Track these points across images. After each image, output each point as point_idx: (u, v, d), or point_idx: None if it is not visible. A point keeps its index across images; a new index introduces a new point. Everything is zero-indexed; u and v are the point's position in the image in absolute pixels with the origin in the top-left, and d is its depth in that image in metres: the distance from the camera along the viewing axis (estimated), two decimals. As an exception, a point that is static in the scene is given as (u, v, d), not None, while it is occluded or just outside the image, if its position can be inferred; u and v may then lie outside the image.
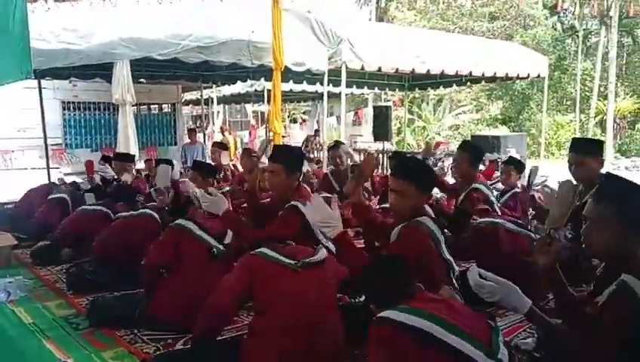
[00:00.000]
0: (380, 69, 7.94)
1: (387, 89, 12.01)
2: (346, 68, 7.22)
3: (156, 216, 3.39)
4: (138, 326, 2.49)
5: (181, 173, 5.69)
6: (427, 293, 1.72)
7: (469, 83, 10.59)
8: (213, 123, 15.43)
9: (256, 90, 12.37)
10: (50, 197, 4.71)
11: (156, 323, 2.45)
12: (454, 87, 11.29)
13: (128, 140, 6.55)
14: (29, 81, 8.37)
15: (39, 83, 8.56)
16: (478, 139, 9.98)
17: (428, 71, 8.06)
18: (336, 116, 11.96)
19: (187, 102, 14.23)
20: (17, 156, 9.17)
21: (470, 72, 8.61)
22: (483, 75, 8.86)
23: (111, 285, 3.04)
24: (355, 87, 10.40)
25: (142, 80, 8.74)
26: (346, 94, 8.48)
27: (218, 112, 16.16)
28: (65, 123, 9.94)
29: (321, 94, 12.84)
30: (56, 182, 5.75)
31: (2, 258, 3.77)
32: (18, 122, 8.95)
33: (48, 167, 8.12)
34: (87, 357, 2.23)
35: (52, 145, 9.15)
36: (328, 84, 7.73)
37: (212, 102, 14.18)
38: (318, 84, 10.21)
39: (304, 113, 20.66)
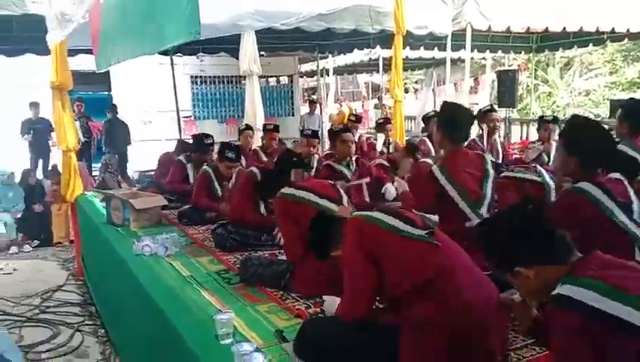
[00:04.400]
0: (508, 29, 7.41)
1: (511, 51, 11.20)
2: (472, 29, 6.82)
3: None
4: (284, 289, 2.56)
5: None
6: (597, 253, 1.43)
7: (608, 41, 9.49)
8: (327, 94, 15.59)
9: (370, 59, 12.21)
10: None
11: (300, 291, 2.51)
12: (590, 47, 10.19)
13: (255, 111, 6.80)
14: (162, 57, 9.09)
15: (171, 59, 9.22)
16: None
17: (563, 28, 7.37)
18: (454, 84, 11.42)
19: (302, 74, 14.48)
20: (155, 128, 9.98)
21: (612, 29, 7.71)
22: (628, 30, 7.89)
23: (253, 245, 3.22)
24: (476, 50, 9.82)
25: (262, 53, 9.01)
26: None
27: (328, 84, 16.27)
28: (193, 96, 10.60)
29: (438, 61, 12.39)
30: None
31: (154, 217, 4.13)
32: (155, 96, 9.71)
33: (181, 138, 8.74)
34: (243, 308, 2.35)
35: (183, 117, 9.84)
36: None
37: (327, 73, 14.27)
38: (435, 49, 9.81)
39: (416, 83, 20.07)
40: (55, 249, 6.70)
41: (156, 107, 9.92)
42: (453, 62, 9.52)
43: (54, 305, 4.66)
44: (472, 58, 11.37)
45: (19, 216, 6.86)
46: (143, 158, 8.81)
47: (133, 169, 8.96)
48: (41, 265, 6.01)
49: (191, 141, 5.36)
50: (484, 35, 8.66)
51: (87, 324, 4.31)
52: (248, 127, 5.72)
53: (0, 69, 8.83)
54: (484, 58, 13.70)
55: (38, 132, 8.50)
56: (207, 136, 5.02)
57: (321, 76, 13.07)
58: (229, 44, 8.26)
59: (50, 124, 7.69)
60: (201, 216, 4.06)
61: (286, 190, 2.69)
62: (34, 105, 8.49)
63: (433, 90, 13.82)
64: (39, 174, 8.08)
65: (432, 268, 1.73)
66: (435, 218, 2.82)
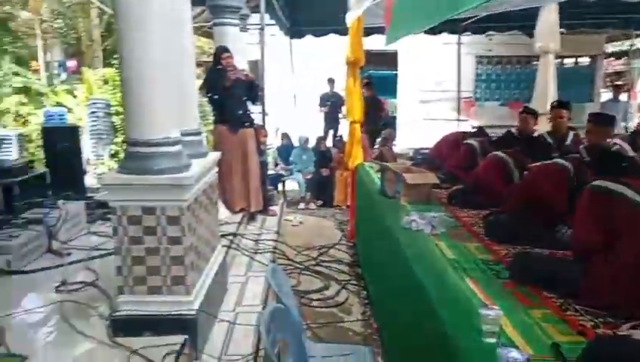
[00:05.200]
0: None
1: None
2: None
3: (569, 166, 2.98)
4: (567, 297, 2.18)
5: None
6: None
7: None
8: (637, 79, 13.09)
9: None
10: (464, 142, 4.88)
11: (589, 303, 2.09)
12: None
13: (546, 94, 6.12)
14: (448, 37, 9.00)
15: (459, 38, 9.05)
16: None
17: None
18: None
19: (607, 55, 12.49)
20: (433, 107, 10.09)
21: None
22: None
23: (530, 240, 2.85)
24: None
25: (561, 30, 8.04)
26: None
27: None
28: (477, 77, 10.26)
29: None
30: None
31: (423, 194, 4.11)
32: (436, 76, 9.76)
33: (459, 119, 8.58)
34: (513, 309, 2.09)
35: (463, 98, 9.63)
36: None
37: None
38: None
39: None
40: (334, 210, 7.44)
41: (436, 87, 9.95)
42: None
43: (327, 260, 5.16)
44: None
45: (309, 177, 7.84)
46: (417, 136, 8.99)
47: (406, 146, 9.24)
48: (322, 223, 6.75)
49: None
50: None
51: (352, 283, 4.63)
52: (528, 110, 5.13)
53: (307, 47, 10.12)
54: None
55: (331, 105, 9.51)
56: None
57: (635, 58, 10.98)
58: (523, 21, 7.62)
59: (342, 98, 8.49)
60: (473, 200, 3.84)
61: (599, 183, 2.29)
62: (330, 81, 9.50)
63: None
64: (329, 142, 9.06)
65: None
66: None
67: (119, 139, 9.96)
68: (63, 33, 16.73)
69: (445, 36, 8.80)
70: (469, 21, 7.90)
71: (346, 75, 5.36)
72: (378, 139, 7.47)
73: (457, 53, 9.02)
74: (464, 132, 5.98)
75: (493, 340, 1.74)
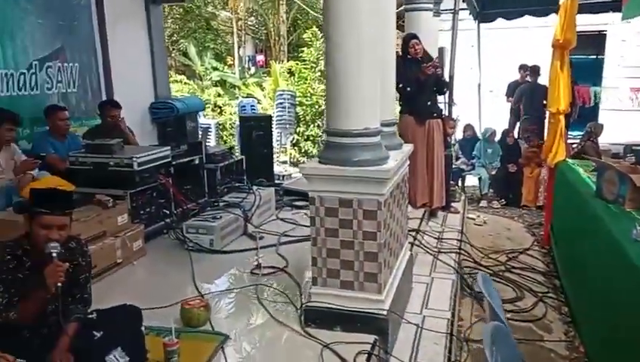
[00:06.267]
0: None
1: None
2: None
3: None
4: None
5: None
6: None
7: None
8: None
9: None
10: None
11: None
12: None
13: None
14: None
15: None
16: None
17: None
18: None
19: None
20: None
21: None
22: None
23: None
24: None
25: None
26: None
27: None
28: None
29: None
30: None
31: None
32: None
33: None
34: None
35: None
36: None
37: None
38: None
39: None
40: (521, 210, 6.77)
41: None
42: None
43: (519, 266, 4.66)
44: None
45: (493, 173, 7.24)
46: (625, 129, 7.73)
47: (609, 140, 7.98)
48: (509, 223, 6.17)
49: None
50: None
51: (550, 296, 4.09)
52: None
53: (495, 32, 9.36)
54: None
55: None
56: None
57: None
58: None
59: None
60: None
61: None
62: (522, 69, 8.63)
63: None
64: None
65: None
66: None
67: (301, 129, 10.45)
68: (255, 30, 18.22)
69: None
70: None
71: (550, 60, 4.74)
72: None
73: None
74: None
75: None
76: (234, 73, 14.78)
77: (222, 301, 3.23)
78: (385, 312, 2.75)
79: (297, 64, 11.53)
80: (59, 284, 2.13)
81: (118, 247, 3.65)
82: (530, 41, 10.17)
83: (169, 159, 4.51)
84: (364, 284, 2.78)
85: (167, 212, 4.38)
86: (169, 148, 4.61)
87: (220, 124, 10.93)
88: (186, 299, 3.00)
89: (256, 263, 3.72)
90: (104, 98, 5.56)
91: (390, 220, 2.96)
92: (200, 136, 6.76)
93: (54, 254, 2.13)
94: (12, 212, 3.22)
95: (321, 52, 10.85)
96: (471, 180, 7.72)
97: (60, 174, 4.04)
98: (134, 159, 4.07)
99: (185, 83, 12.69)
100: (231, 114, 11.51)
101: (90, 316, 2.44)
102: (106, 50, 5.58)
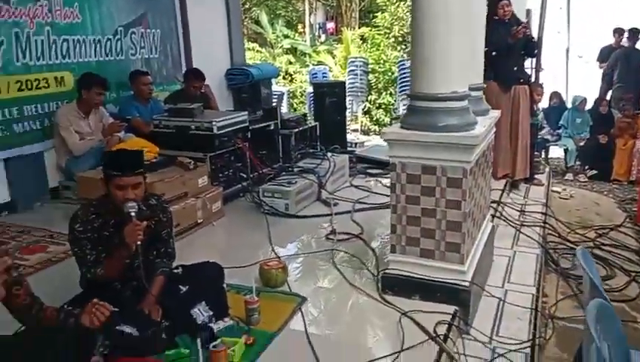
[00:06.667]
0: None
1: None
2: None
3: None
4: None
5: None
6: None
7: None
8: None
9: None
10: None
11: None
12: None
13: None
14: None
15: None
16: None
17: None
18: None
19: None
20: None
21: None
22: None
23: None
24: None
25: None
26: None
27: None
28: None
29: None
30: None
31: None
32: None
33: None
34: None
35: None
36: None
37: None
38: None
39: None
40: (611, 185, 6.30)
41: None
42: None
43: (609, 244, 4.34)
44: None
45: (582, 144, 6.76)
46: None
47: None
48: (598, 198, 5.77)
49: None
50: None
51: (644, 277, 3.79)
52: None
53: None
54: None
55: (624, 62, 7.76)
56: None
57: None
58: None
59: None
60: None
61: None
62: (618, 32, 7.90)
63: None
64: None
65: None
66: None
67: (373, 97, 10.26)
68: (326, -4, 17.95)
69: None
70: None
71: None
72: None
73: None
74: None
75: None
76: (305, 41, 14.70)
77: (297, 264, 3.26)
78: (467, 283, 2.65)
79: (370, 30, 11.25)
80: (138, 243, 2.21)
81: (199, 208, 3.76)
82: (625, 2, 9.28)
83: (246, 124, 4.55)
84: (446, 254, 2.68)
85: (244, 175, 4.45)
86: (246, 113, 4.65)
87: (290, 92, 10.96)
88: (264, 260, 3.05)
89: (330, 229, 3.72)
90: (183, 64, 5.70)
91: (475, 189, 2.82)
92: (275, 103, 6.81)
93: (132, 213, 2.20)
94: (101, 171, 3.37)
95: (395, 17, 10.53)
96: (555, 151, 7.26)
97: (145, 137, 4.25)
98: (214, 123, 4.14)
99: (257, 51, 12.79)
100: (301, 82, 11.49)
101: (175, 271, 2.54)
102: (185, 17, 5.69)
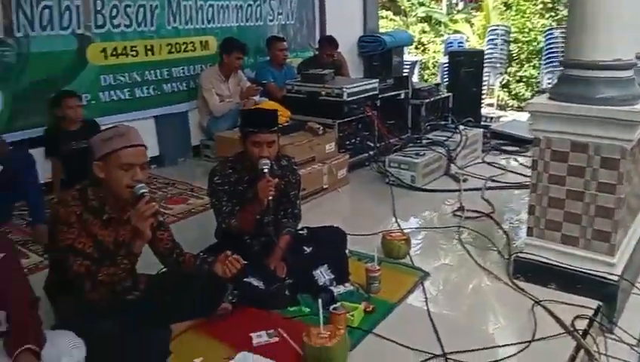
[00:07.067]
0: None
1: None
2: None
3: None
4: None
5: None
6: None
7: None
8: None
9: None
10: None
11: None
12: None
13: None
14: None
15: None
16: None
17: None
18: None
19: None
20: None
21: None
22: None
23: None
24: None
25: None
26: None
27: None
28: None
29: None
30: None
31: None
32: None
33: None
34: None
35: None
36: None
37: None
38: None
39: None
40: None
41: None
42: None
43: None
44: None
45: None
46: None
47: None
48: None
49: None
50: None
51: None
52: None
53: None
54: None
55: None
56: None
57: None
58: None
59: None
60: None
61: None
62: None
63: None
64: None
65: None
66: None
67: (513, 69, 9.52)
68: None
69: None
70: None
71: None
72: None
73: None
74: None
75: None
76: (441, 9, 14.03)
77: (421, 238, 3.16)
78: (616, 278, 2.36)
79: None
80: (270, 198, 2.29)
81: (325, 173, 3.80)
82: None
83: (376, 92, 4.47)
84: (593, 243, 2.39)
85: (371, 144, 4.40)
86: (377, 80, 4.56)
87: (422, 63, 10.58)
88: (387, 230, 3.00)
89: (458, 205, 3.54)
90: (317, 31, 5.74)
91: (634, 172, 2.47)
92: (407, 72, 6.61)
93: (265, 170, 2.29)
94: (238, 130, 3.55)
95: (545, -20, 9.55)
96: None
97: (277, 101, 4.38)
98: (344, 89, 4.12)
99: (390, 19, 12.49)
100: (435, 52, 11.01)
101: (300, 232, 2.60)
102: (322, -17, 5.70)
